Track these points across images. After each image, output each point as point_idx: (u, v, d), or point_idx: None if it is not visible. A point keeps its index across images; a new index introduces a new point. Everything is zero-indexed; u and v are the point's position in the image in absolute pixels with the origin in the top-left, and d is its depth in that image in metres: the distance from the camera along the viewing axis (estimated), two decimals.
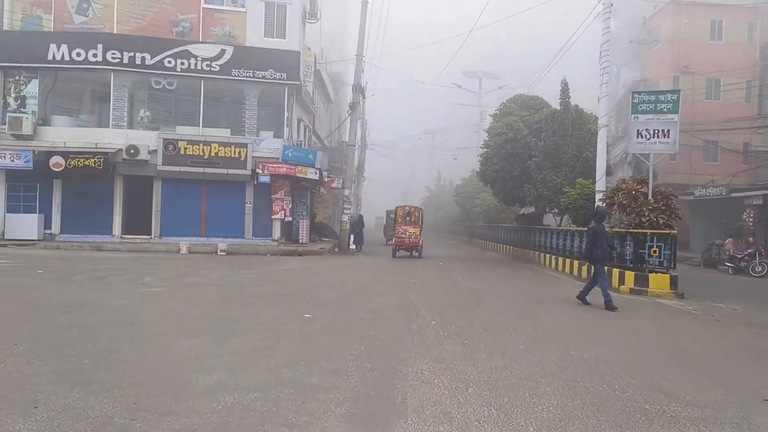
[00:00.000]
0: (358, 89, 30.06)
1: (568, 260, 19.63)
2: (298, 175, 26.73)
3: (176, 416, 5.08)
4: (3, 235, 24.74)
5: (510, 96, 27.23)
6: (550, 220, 26.44)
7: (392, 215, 36.01)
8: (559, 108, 22.96)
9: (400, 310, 10.87)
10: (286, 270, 17.95)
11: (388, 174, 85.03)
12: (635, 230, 15.43)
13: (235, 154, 26.24)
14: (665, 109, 15.57)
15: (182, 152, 25.70)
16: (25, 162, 24.47)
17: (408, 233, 26.13)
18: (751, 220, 25.51)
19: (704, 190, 29.99)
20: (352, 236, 32.76)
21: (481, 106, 52.01)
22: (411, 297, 12.64)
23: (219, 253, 24.03)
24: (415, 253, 26.20)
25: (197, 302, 11.06)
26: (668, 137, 15.58)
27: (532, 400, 5.83)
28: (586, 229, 14.77)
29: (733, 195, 27.60)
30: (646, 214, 15.16)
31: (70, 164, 24.20)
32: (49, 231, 25.42)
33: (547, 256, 22.17)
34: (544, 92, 26.45)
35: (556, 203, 22.10)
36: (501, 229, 31.81)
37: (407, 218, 27.66)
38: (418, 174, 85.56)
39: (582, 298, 12.58)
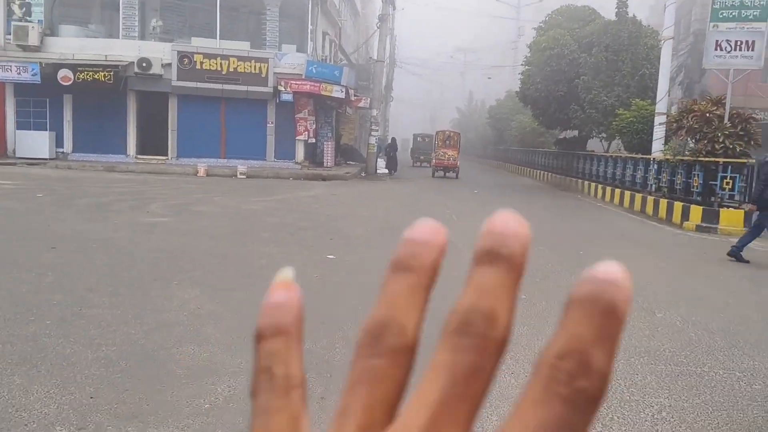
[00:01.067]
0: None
1: (617, 190, 17.72)
2: (323, 93, 24.79)
3: (143, 422, 3.61)
4: (14, 153, 23.49)
5: (556, 7, 24.54)
6: (595, 145, 24.33)
7: (418, 138, 39.47)
8: (614, 19, 20.42)
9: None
10: (308, 197, 16.41)
11: (416, 94, 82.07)
12: (706, 158, 13.46)
13: (255, 69, 24.31)
14: (751, 17, 13.26)
15: (198, 67, 23.84)
16: (32, 75, 22.87)
17: (447, 155, 28.46)
18: None
19: (765, 114, 27.38)
20: (379, 160, 31.08)
21: (519, 20, 48.57)
22: (449, 233, 10.99)
23: (239, 176, 22.55)
24: (451, 174, 28.24)
25: (205, 236, 9.59)
26: (752, 49, 13.35)
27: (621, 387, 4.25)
28: (756, 163, 11.74)
29: None
30: (720, 140, 13.14)
31: (79, 78, 22.56)
32: (61, 150, 24.10)
33: (593, 184, 20.28)
34: (595, 2, 23.73)
35: (605, 127, 19.98)
36: (539, 154, 29.72)
37: (447, 142, 29.53)
38: (447, 94, 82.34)
39: (736, 254, 9.66)
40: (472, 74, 69.37)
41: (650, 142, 16.19)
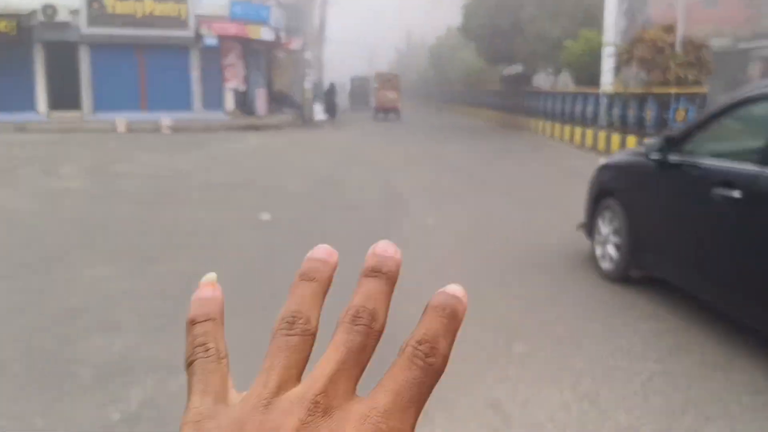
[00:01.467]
0: None
1: (567, 126, 17.13)
2: (250, 35, 23.12)
3: None
4: None
5: None
6: (542, 81, 23.64)
7: (356, 81, 40.10)
8: None
9: (386, 206, 8.36)
10: (240, 149, 15.16)
11: (352, 34, 79.52)
12: (658, 90, 12.89)
13: (173, 11, 22.35)
14: None
15: (110, 11, 21.72)
16: None
17: (387, 98, 28.72)
18: (757, 74, 23.08)
19: (717, 40, 27.16)
20: (316, 105, 29.67)
21: None
22: (396, 184, 10.13)
23: (163, 130, 20.91)
24: (392, 116, 28.33)
25: (123, 202, 8.37)
26: None
27: None
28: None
29: (740, 46, 24.91)
30: (672, 69, 12.55)
31: None
32: None
33: (541, 122, 19.64)
34: None
35: (552, 60, 19.22)
36: (485, 93, 28.77)
37: (386, 84, 29.24)
38: (384, 33, 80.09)
39: None
40: (410, 10, 67.38)
41: (600, 75, 15.53)
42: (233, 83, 23.81)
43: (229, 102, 24.01)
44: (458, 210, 8.02)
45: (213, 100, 23.85)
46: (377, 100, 29.51)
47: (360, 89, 39.61)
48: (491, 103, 27.30)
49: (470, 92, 31.58)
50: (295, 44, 28.82)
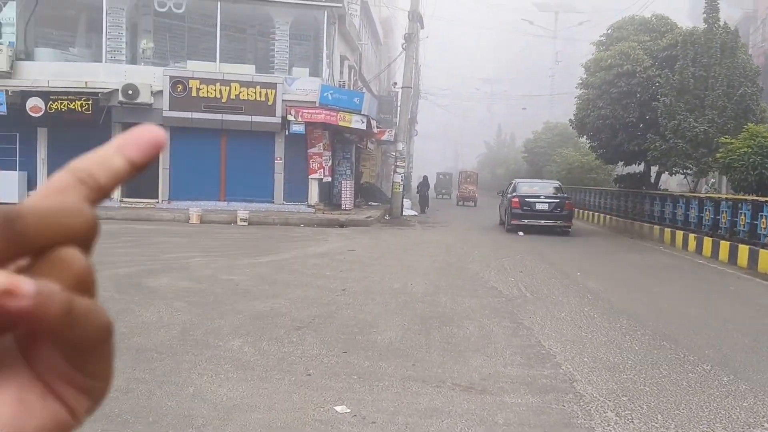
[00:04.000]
0: (416, 17, 23.95)
1: (723, 242, 13.56)
2: (341, 123, 21.06)
3: None
4: None
5: (617, 18, 20.62)
6: (672, 185, 20.19)
7: (440, 176, 47.23)
8: (702, 27, 16.45)
9: (533, 384, 5.17)
10: (318, 255, 12.48)
11: (441, 128, 78.59)
12: None
13: (261, 96, 20.70)
14: None
15: (194, 94, 20.29)
16: None
17: (468, 189, 37.92)
18: None
19: None
20: (405, 200, 27.24)
21: (556, 44, 44.82)
22: (535, 332, 6.98)
23: (239, 222, 18.75)
24: (470, 203, 37.00)
25: (128, 350, 5.59)
26: None
27: None
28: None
29: None
30: None
31: (51, 108, 19.08)
32: (34, 192, 20.50)
33: (678, 232, 16.12)
34: (667, 13, 19.76)
35: (695, 160, 15.87)
36: (593, 192, 25.40)
37: (468, 179, 38.78)
38: (473, 129, 78.70)
39: None
40: (499, 107, 65.70)
41: None
42: (318, 174, 21.66)
43: (313, 194, 21.81)
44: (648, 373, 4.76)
45: (296, 192, 21.74)
46: (460, 191, 38.38)
47: (444, 182, 46.48)
48: (602, 205, 23.86)
49: (573, 192, 28.21)
50: (387, 135, 26.76)
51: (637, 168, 21.51)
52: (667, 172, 18.80)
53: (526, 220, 18.63)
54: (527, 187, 20.57)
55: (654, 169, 20.40)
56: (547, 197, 19.25)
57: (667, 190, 20.05)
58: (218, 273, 9.87)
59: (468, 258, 13.01)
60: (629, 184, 21.23)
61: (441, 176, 46.94)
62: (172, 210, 19.88)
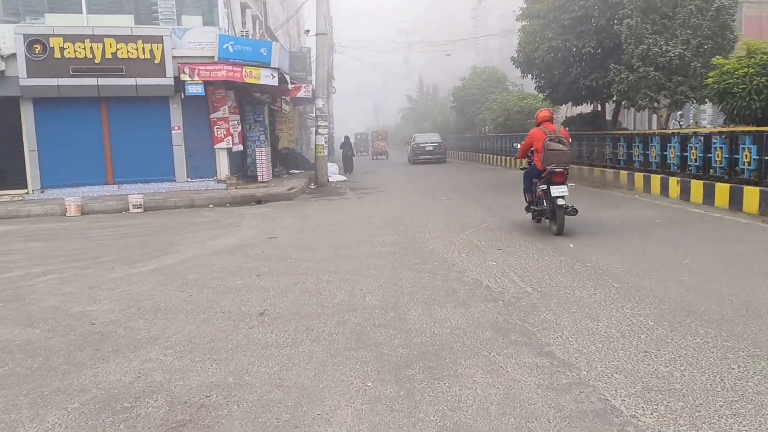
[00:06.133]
0: None
1: (695, 182, 11.30)
2: (247, 80, 17.61)
3: None
4: None
5: None
6: (631, 121, 17.89)
7: (357, 136, 54.22)
8: None
9: None
10: (226, 251, 9.33)
11: (358, 85, 74.91)
12: None
13: (145, 53, 16.94)
14: None
15: (58, 55, 16.31)
16: None
17: (380, 145, 45.29)
18: None
19: None
20: (329, 164, 24.19)
21: None
22: (581, 369, 4.22)
23: (132, 210, 15.23)
24: (383, 156, 44.01)
25: None
26: None
27: None
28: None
29: None
30: None
31: None
32: None
33: (651, 176, 13.87)
34: None
35: (669, 90, 13.48)
36: None
37: (379, 137, 46.64)
38: (392, 82, 75.42)
39: None
40: (419, 57, 62.70)
41: None
42: (226, 142, 18.20)
43: (223, 166, 18.39)
44: None
45: (202, 165, 18.27)
46: (373, 147, 46.43)
47: (362, 141, 54.52)
48: None
49: (513, 140, 25.75)
50: (304, 91, 23.38)
51: (588, 107, 19.16)
52: (628, 108, 16.46)
53: (421, 156, 33.95)
54: (420, 138, 35.91)
55: (608, 107, 18.09)
56: (431, 143, 34.55)
57: (626, 129, 17.81)
58: (70, 301, 6.59)
59: (423, 233, 10.16)
60: (582, 125, 18.88)
61: (358, 136, 54.79)
62: (46, 201, 16.05)
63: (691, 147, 12.37)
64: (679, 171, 12.95)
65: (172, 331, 5.39)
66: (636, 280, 6.52)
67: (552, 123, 9.86)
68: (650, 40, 13.36)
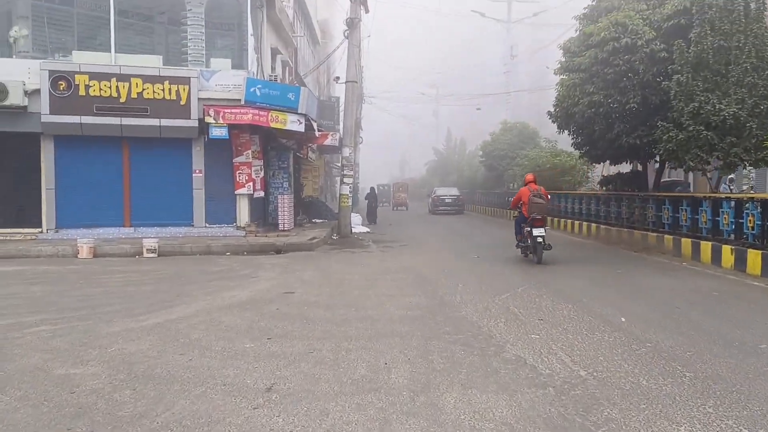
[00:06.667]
0: None
1: (753, 252, 10.30)
2: (273, 125, 17.12)
3: None
4: None
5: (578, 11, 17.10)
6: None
7: (380, 187, 51.93)
8: None
9: None
10: (237, 306, 8.51)
11: (385, 136, 74.98)
12: None
13: (171, 94, 16.58)
14: None
15: (83, 93, 16.00)
16: None
17: (400, 197, 45.48)
18: None
19: None
20: (353, 216, 23.48)
21: (510, 36, 41.68)
22: None
23: (145, 254, 14.57)
24: (402, 207, 44.02)
25: None
26: None
27: None
28: None
29: None
30: None
31: None
32: None
33: (700, 243, 12.85)
34: None
35: (722, 151, 12.60)
36: (572, 198, 21.84)
37: (400, 189, 46.95)
38: (419, 134, 75.41)
39: None
40: (447, 110, 62.64)
41: None
42: (247, 188, 17.62)
43: (243, 213, 17.76)
44: None
45: (221, 211, 17.67)
46: (394, 198, 46.60)
47: (384, 192, 52.61)
48: (586, 212, 20.49)
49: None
50: (331, 139, 22.90)
51: (627, 166, 18.29)
52: (674, 168, 15.56)
53: (441, 208, 36.82)
54: (440, 191, 39.31)
55: (649, 167, 17.21)
56: (450, 196, 37.78)
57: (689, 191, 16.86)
58: (56, 360, 5.79)
59: (453, 295, 9.26)
60: (621, 185, 17.98)
61: (381, 187, 54.07)
62: (59, 242, 15.48)
63: (747, 213, 11.39)
64: (733, 239, 11.93)
65: (162, 408, 4.53)
66: (710, 369, 5.53)
67: (535, 184, 13.58)
68: (702, 98, 12.56)
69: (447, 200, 36.86)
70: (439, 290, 9.80)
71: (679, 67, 13.15)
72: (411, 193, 53.23)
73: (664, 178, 20.10)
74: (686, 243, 13.44)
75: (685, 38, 13.64)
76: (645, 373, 5.41)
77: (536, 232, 12.58)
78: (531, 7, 41.43)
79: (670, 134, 13.12)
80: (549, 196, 14.21)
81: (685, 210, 13.85)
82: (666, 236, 14.48)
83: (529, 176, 14.05)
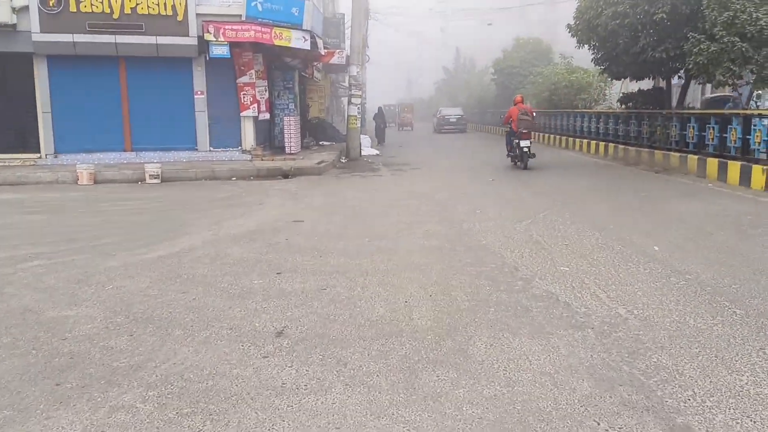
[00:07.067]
0: None
1: None
2: (276, 42, 16.20)
3: None
4: None
5: None
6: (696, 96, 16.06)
7: (386, 108, 46.68)
8: None
9: None
10: (244, 236, 8.05)
11: (391, 54, 72.63)
12: None
13: (166, 9, 15.62)
14: None
15: (74, 9, 15.07)
16: None
17: (406, 117, 46.62)
18: None
19: None
20: (362, 137, 22.79)
21: None
22: None
23: (148, 180, 14.08)
24: (408, 128, 44.95)
25: None
26: None
27: None
28: None
29: None
30: None
31: None
32: None
33: (728, 163, 12.16)
34: None
35: (757, 64, 11.72)
36: (589, 117, 20.88)
37: (405, 109, 48.24)
38: (427, 51, 73.04)
39: None
40: (456, 27, 60.23)
41: None
42: (252, 110, 16.88)
43: (248, 136, 17.10)
44: None
45: (226, 134, 17.02)
46: (400, 118, 47.20)
47: (389, 114, 51.23)
48: (604, 131, 19.67)
49: (562, 116, 23.91)
50: (337, 57, 21.87)
51: (648, 84, 17.35)
52: (701, 84, 14.68)
53: (445, 127, 38.82)
54: (445, 111, 40.85)
55: (673, 82, 16.27)
56: (454, 115, 39.48)
57: (692, 107, 16.03)
58: (48, 300, 5.36)
59: (471, 222, 8.74)
60: (643, 103, 17.10)
61: (386, 108, 55.19)
62: (58, 168, 14.97)
63: None
64: (766, 158, 11.26)
65: (161, 358, 4.10)
66: (761, 304, 5.04)
67: (522, 103, 16.24)
68: (737, 6, 11.57)
69: (451, 120, 39.19)
70: (455, 216, 9.29)
71: None
72: (418, 113, 54.30)
73: (713, 94, 19.09)
74: (712, 163, 12.75)
75: None
76: (690, 310, 4.92)
77: (523, 143, 15.19)
78: None
79: (701, 46, 12.20)
80: (534, 114, 16.47)
81: (713, 128, 13.09)
82: (690, 156, 13.78)
83: (518, 97, 16.60)
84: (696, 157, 13.48)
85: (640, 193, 11.42)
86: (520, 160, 15.30)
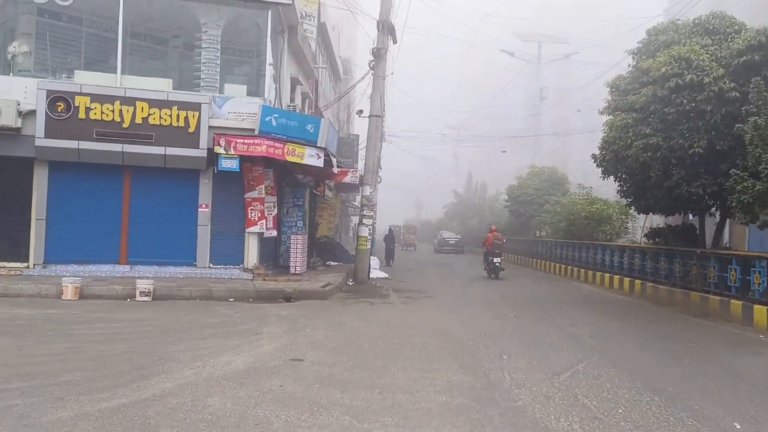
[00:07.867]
0: (387, 28, 18.86)
1: None
2: (289, 158, 15.58)
3: None
4: None
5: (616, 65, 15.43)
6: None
7: (393, 228, 48.39)
8: None
9: None
10: (232, 379, 6.78)
11: (403, 176, 73.59)
12: None
13: (179, 121, 15.14)
14: None
15: (82, 116, 14.59)
16: None
17: (409, 238, 49.57)
18: None
19: None
20: (373, 259, 21.79)
21: (540, 78, 40.19)
22: None
23: (138, 297, 12.90)
24: (411, 248, 47.21)
25: None
26: None
27: None
28: None
29: None
30: None
31: None
32: None
33: None
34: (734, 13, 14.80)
35: None
36: (611, 250, 19.73)
37: (409, 231, 51.76)
38: (438, 175, 73.91)
39: None
40: (468, 153, 61.19)
41: None
42: (259, 226, 16.01)
43: (252, 253, 16.11)
44: None
45: (228, 250, 16.04)
46: (403, 239, 48.47)
47: (396, 233, 57.14)
48: (624, 266, 18.55)
49: (584, 249, 22.78)
50: (351, 176, 21.34)
51: (676, 220, 16.45)
52: (742, 224, 13.73)
53: (444, 248, 44.46)
54: (445, 234, 47.20)
55: (707, 220, 15.34)
56: (453, 238, 46.10)
57: (733, 250, 14.99)
58: None
59: (499, 372, 7.43)
60: (673, 239, 16.12)
61: (392, 228, 55.96)
62: (44, 279, 13.85)
63: None
64: None
65: None
66: None
67: (496, 232, 23.13)
68: None
69: (450, 242, 45.80)
70: (480, 363, 7.98)
71: (756, 109, 11.45)
72: (421, 234, 59.84)
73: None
74: (760, 311, 11.50)
75: (759, 76, 11.97)
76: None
77: (495, 260, 21.84)
78: (561, 49, 40.15)
79: (745, 184, 11.34)
80: (504, 240, 23.64)
81: (758, 272, 11.96)
82: (732, 301, 12.55)
83: (493, 227, 24.31)
84: (740, 302, 12.25)
85: (687, 342, 10.10)
86: (493, 272, 21.76)
